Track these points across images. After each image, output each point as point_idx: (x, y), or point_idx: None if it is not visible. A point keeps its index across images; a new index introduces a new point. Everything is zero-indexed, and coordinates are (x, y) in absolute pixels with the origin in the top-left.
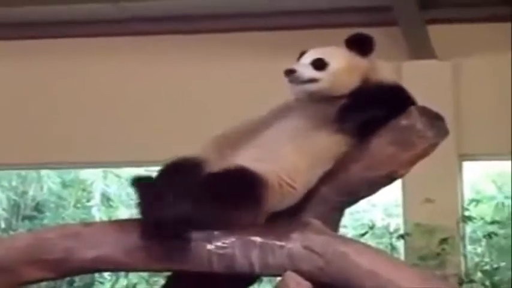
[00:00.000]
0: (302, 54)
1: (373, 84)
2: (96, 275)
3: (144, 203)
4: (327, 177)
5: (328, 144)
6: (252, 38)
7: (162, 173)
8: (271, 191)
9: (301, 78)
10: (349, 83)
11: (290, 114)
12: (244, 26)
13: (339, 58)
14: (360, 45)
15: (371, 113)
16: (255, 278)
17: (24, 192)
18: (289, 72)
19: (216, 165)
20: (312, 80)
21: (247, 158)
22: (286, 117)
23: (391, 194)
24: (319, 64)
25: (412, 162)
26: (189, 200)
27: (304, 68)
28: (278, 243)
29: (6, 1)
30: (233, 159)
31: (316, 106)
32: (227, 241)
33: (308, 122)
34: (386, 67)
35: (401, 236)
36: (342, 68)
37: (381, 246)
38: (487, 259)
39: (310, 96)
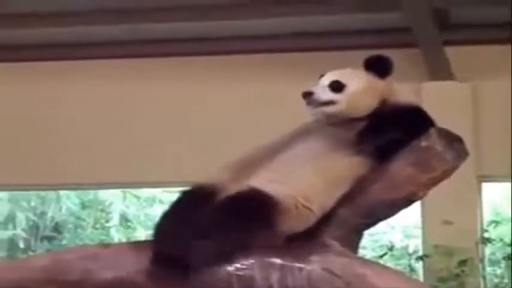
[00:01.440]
0: (321, 77)
1: (392, 106)
2: None
3: (159, 232)
4: (346, 199)
5: (347, 166)
6: (269, 60)
7: (178, 202)
8: (285, 213)
9: (319, 101)
10: (367, 105)
11: (308, 136)
12: (260, 47)
13: (356, 80)
14: (378, 67)
15: (390, 136)
16: None
17: (43, 213)
18: (307, 95)
19: (230, 189)
20: (329, 103)
21: (263, 180)
22: (304, 139)
23: (410, 216)
24: (336, 86)
25: (432, 184)
26: (203, 229)
27: (322, 91)
28: (297, 265)
29: (13, 24)
30: (249, 182)
31: (334, 128)
32: (246, 262)
33: (326, 144)
34: (406, 88)
35: (420, 258)
36: (359, 90)
37: (400, 268)
38: (506, 281)
39: (328, 119)
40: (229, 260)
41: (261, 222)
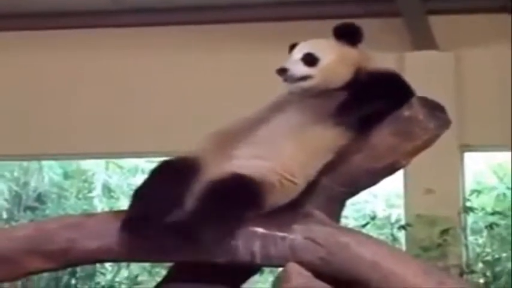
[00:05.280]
0: (293, 47)
1: (370, 74)
2: (98, 265)
3: (135, 201)
4: (328, 168)
5: (328, 137)
6: (252, 30)
7: (157, 172)
8: (271, 191)
9: (294, 77)
10: (342, 75)
11: (287, 108)
12: (242, 16)
13: (329, 52)
14: (349, 36)
15: (372, 106)
16: (256, 268)
17: (26, 183)
18: (281, 72)
19: (213, 164)
20: (305, 77)
21: (245, 157)
22: (283, 111)
23: (392, 185)
24: (309, 60)
25: (414, 153)
26: (189, 211)
27: (296, 66)
28: (280, 234)
29: None
30: (232, 158)
31: (313, 99)
32: None
33: (306, 116)
34: (388, 57)
35: (403, 227)
36: (333, 62)
37: (382, 237)
38: (488, 250)
39: (304, 92)
40: (221, 243)
41: (248, 207)
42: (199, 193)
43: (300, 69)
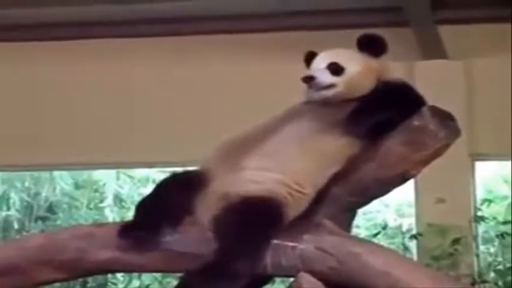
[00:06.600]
0: (309, 55)
1: (382, 85)
2: (109, 275)
3: (138, 210)
4: (338, 178)
5: (338, 146)
6: (263, 39)
7: (162, 186)
8: (283, 206)
9: (321, 85)
10: (366, 86)
11: (297, 118)
12: (254, 27)
13: (354, 62)
14: (372, 47)
15: (382, 116)
16: (268, 278)
17: (37, 193)
18: (308, 79)
19: (222, 175)
20: (330, 86)
21: (254, 167)
22: (293, 121)
23: (403, 194)
24: (335, 69)
25: (424, 162)
26: (215, 250)
27: (322, 74)
28: (291, 244)
29: (17, 2)
30: (240, 169)
31: (324, 109)
32: None
33: (316, 125)
34: (398, 67)
35: (414, 236)
36: (358, 72)
37: (393, 247)
38: (499, 259)
39: (325, 101)
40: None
41: (273, 228)
42: (218, 219)
43: (327, 77)
